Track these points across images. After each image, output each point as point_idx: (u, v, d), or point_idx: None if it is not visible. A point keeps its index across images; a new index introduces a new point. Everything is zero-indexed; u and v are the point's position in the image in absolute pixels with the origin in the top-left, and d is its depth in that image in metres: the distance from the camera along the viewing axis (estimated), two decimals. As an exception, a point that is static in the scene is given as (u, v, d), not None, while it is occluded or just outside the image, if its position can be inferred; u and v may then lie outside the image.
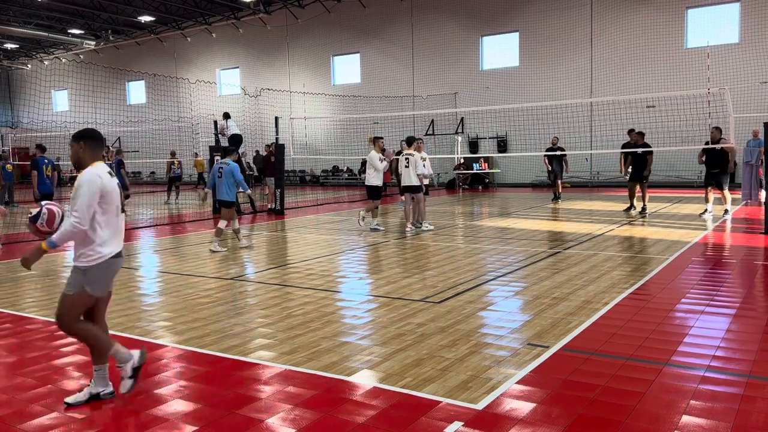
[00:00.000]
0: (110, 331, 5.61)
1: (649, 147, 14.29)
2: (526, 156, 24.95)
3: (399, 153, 15.99)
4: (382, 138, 12.77)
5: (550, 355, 4.71)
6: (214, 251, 10.09)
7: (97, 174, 3.88)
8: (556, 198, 18.45)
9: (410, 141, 12.77)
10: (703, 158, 13.41)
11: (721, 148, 13.03)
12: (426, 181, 13.07)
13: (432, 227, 12.55)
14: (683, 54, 23.95)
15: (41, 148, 13.18)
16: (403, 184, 12.64)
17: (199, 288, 7.45)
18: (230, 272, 8.55)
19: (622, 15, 25.13)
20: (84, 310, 4.01)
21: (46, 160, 12.40)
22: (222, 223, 10.37)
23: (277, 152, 17.12)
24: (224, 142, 17.25)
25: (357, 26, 31.55)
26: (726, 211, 13.33)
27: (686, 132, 19.87)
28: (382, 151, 12.54)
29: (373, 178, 12.51)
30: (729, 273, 7.63)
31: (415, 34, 30.03)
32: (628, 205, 14.57)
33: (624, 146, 15.14)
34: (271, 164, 17.30)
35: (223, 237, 10.51)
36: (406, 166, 12.40)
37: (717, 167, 13.15)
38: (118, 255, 4.04)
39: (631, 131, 14.96)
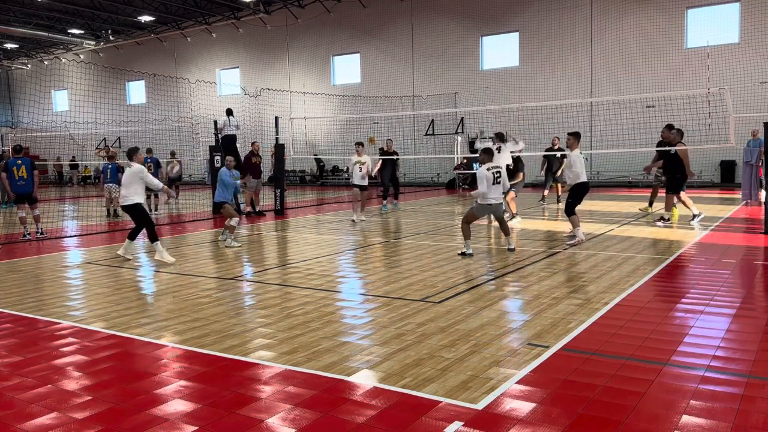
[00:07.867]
0: (111, 331, 5.65)
1: (661, 148, 12.73)
2: (526, 156, 24.88)
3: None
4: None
5: (550, 355, 4.71)
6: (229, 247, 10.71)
7: None
8: (543, 200, 17.98)
9: (501, 136, 14.05)
10: (658, 164, 12.38)
11: (675, 151, 11.75)
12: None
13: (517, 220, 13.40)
14: (683, 54, 23.94)
15: (16, 149, 13.07)
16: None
17: (199, 288, 7.45)
18: (230, 272, 8.55)
19: (622, 15, 25.12)
20: None
21: (18, 161, 12.26)
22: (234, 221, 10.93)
23: (277, 152, 17.08)
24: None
25: (357, 26, 31.54)
26: (694, 216, 11.95)
27: (686, 132, 19.84)
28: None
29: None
30: (729, 273, 7.62)
31: (415, 34, 30.02)
32: (693, 214, 12.07)
33: (658, 145, 13.32)
34: (252, 165, 16.35)
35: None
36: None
37: (676, 171, 11.93)
38: None
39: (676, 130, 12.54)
